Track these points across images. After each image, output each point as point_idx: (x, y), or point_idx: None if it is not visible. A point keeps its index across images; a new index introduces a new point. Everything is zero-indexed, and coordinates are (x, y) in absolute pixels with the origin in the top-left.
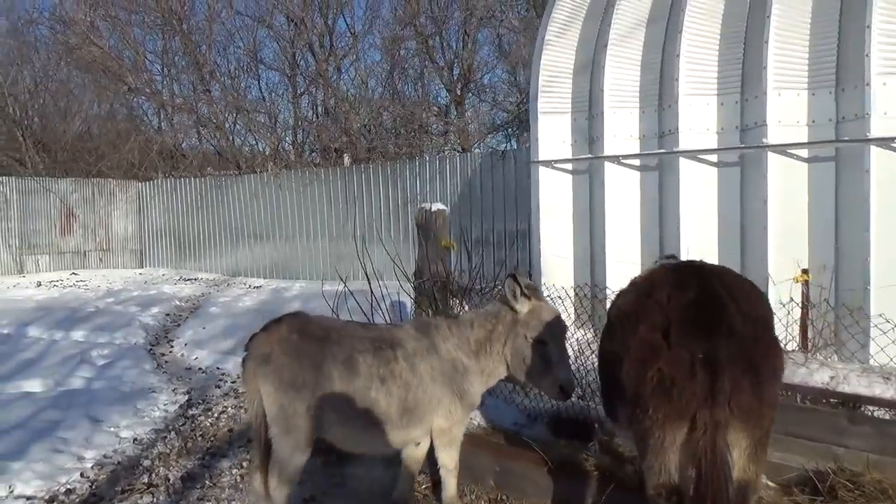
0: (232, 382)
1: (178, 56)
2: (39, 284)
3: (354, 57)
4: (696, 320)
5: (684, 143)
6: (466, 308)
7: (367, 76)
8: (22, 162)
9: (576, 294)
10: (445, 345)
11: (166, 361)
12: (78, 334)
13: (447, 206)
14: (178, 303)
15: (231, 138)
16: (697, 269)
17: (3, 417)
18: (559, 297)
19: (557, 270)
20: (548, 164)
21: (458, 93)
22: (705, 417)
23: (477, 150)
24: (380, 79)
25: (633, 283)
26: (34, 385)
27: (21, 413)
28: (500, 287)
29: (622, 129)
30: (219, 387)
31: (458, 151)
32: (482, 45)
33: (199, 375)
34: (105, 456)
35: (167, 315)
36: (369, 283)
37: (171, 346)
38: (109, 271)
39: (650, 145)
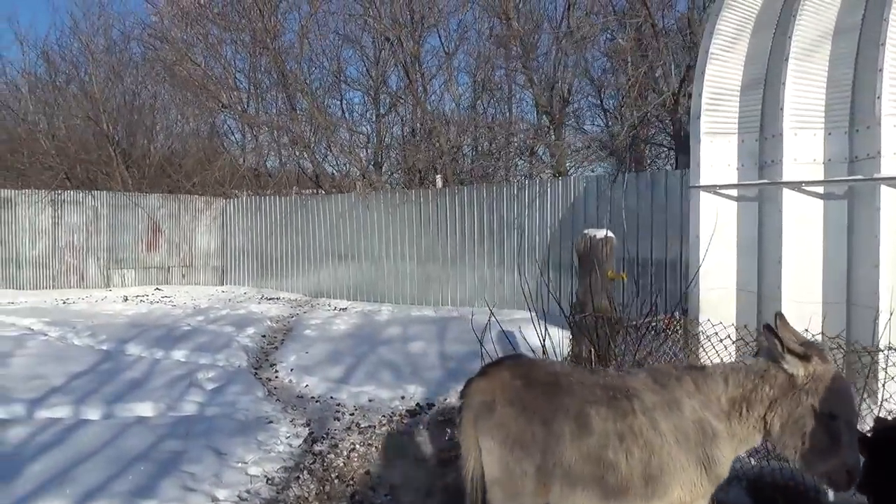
0: (350, 415)
1: (263, 75)
2: (126, 299)
3: (447, 76)
4: None
5: (887, 169)
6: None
7: (459, 96)
8: (111, 176)
9: (738, 335)
10: (690, 401)
11: (275, 388)
12: (179, 354)
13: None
14: (269, 323)
15: (315, 157)
16: None
17: (124, 446)
18: (717, 335)
19: (718, 306)
20: (710, 189)
21: (556, 115)
22: None
23: (577, 174)
24: (470, 99)
25: None
26: (146, 409)
27: (140, 442)
28: (661, 323)
29: (804, 152)
30: (337, 419)
31: (555, 175)
32: (576, 67)
33: (314, 405)
34: (240, 497)
35: (263, 336)
36: (536, 313)
37: (276, 371)
38: (192, 288)
39: (836, 171)
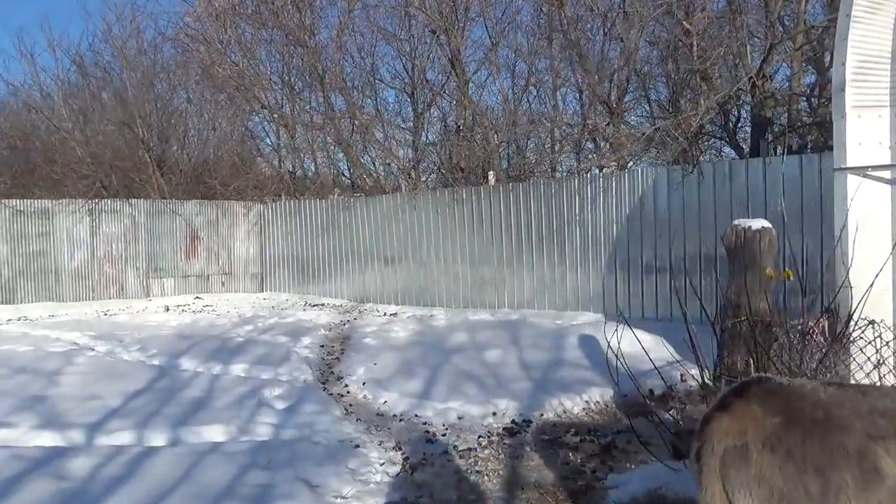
0: (442, 435)
1: (299, 74)
2: (167, 309)
3: (495, 68)
4: None
5: None
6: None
7: (507, 88)
8: (147, 183)
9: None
10: None
11: (350, 405)
12: (237, 368)
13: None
14: (323, 332)
15: (357, 157)
16: None
17: (204, 479)
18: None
19: (869, 307)
20: (859, 171)
21: (615, 104)
22: None
23: (642, 167)
24: (517, 92)
25: None
26: (216, 433)
27: (220, 474)
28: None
29: None
30: (430, 441)
31: (618, 168)
32: (633, 53)
33: (398, 425)
34: None
35: (321, 347)
36: (687, 318)
37: (346, 386)
38: (232, 295)
39: None
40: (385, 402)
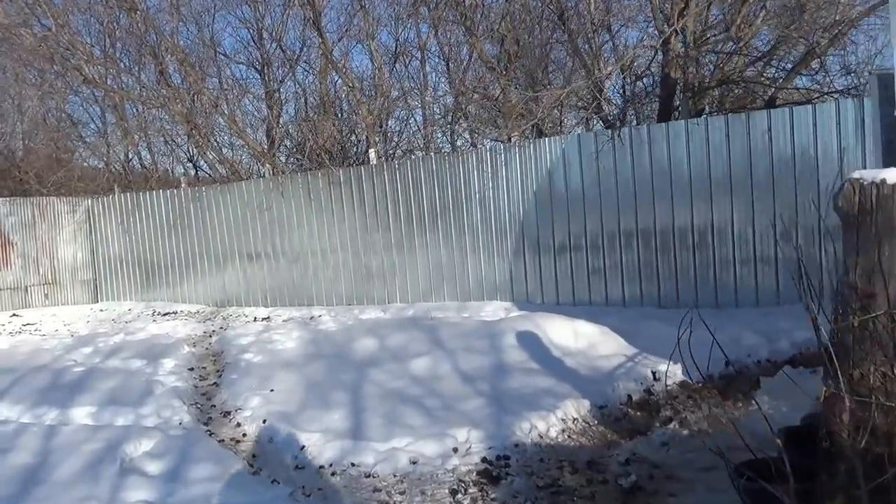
0: (400, 493)
1: (124, 49)
2: None
3: (367, 32)
4: None
5: None
6: None
7: (381, 57)
8: None
9: None
10: None
11: (254, 456)
12: (81, 413)
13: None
14: (188, 349)
15: (210, 141)
16: None
17: None
18: None
19: None
20: None
21: (504, 70)
22: None
23: (556, 138)
24: (389, 59)
25: None
26: None
27: None
28: None
29: None
30: None
31: (499, 141)
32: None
33: (334, 482)
34: None
35: (190, 370)
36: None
37: (239, 426)
38: (59, 309)
39: None
40: (303, 447)
